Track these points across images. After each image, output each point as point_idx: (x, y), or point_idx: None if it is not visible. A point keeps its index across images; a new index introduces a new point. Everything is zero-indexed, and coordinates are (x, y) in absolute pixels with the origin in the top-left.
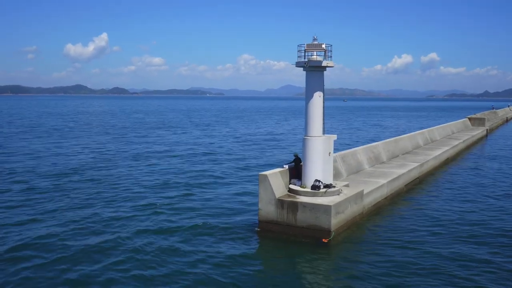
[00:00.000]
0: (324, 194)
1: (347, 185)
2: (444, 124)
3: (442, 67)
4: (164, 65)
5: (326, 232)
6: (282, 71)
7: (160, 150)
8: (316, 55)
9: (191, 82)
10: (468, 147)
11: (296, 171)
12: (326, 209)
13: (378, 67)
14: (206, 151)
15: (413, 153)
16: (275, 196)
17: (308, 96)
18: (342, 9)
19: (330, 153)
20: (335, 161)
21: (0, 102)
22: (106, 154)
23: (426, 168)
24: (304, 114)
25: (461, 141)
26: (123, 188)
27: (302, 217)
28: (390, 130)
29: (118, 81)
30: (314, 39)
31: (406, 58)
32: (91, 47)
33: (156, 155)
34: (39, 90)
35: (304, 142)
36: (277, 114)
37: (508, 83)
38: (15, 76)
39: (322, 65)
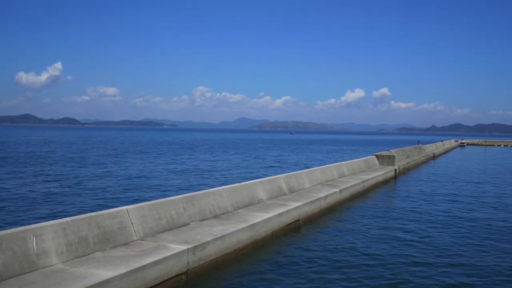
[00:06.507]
0: None
1: None
2: (330, 165)
3: (393, 102)
4: (119, 96)
5: None
6: (238, 104)
7: None
8: None
9: (145, 113)
10: (352, 199)
11: None
12: None
13: (332, 101)
14: None
15: (220, 218)
16: None
17: None
18: (296, 43)
19: None
20: None
21: None
22: None
23: (213, 251)
24: None
25: (336, 190)
26: None
27: None
28: (287, 165)
29: (70, 111)
30: None
31: (359, 93)
32: (44, 76)
33: None
34: None
35: None
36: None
37: (453, 118)
38: None
39: None
